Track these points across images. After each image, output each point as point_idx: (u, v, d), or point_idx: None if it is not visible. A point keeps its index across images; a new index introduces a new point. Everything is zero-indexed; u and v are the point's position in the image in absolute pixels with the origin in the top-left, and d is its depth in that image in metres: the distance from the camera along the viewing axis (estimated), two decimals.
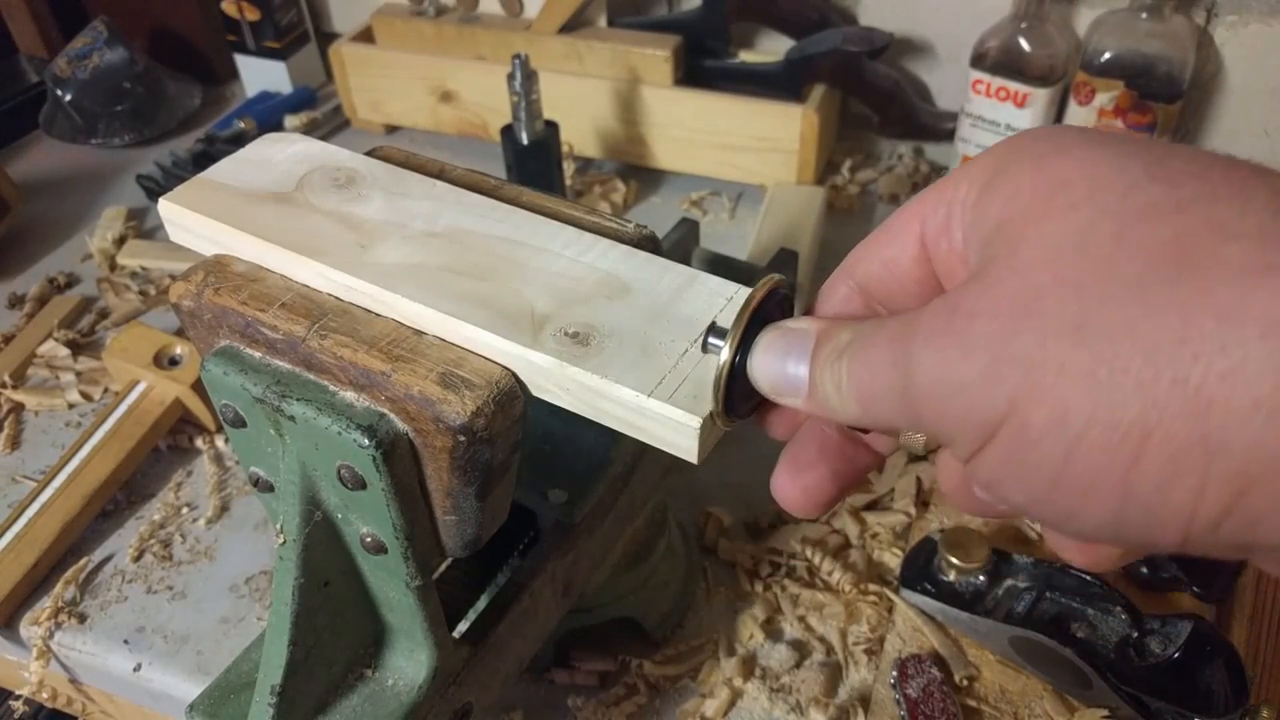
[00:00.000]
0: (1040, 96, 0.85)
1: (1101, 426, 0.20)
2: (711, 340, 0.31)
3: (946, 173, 0.98)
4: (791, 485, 0.31)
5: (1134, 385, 0.19)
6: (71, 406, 0.77)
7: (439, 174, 0.41)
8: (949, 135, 0.96)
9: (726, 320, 0.30)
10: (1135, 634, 0.54)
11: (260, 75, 1.12)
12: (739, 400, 0.30)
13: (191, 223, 0.38)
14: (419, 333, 0.34)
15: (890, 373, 0.24)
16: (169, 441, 0.74)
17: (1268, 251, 0.19)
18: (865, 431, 0.31)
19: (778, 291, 0.30)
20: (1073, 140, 0.24)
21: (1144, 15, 0.82)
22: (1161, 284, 0.20)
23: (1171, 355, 0.19)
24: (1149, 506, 0.20)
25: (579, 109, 0.95)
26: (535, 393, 0.33)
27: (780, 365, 0.28)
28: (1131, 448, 0.20)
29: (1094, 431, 0.20)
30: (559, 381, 0.32)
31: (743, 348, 0.29)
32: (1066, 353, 0.20)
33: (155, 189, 0.98)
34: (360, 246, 0.36)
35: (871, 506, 0.67)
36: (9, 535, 0.65)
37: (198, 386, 0.71)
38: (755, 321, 0.29)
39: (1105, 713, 0.53)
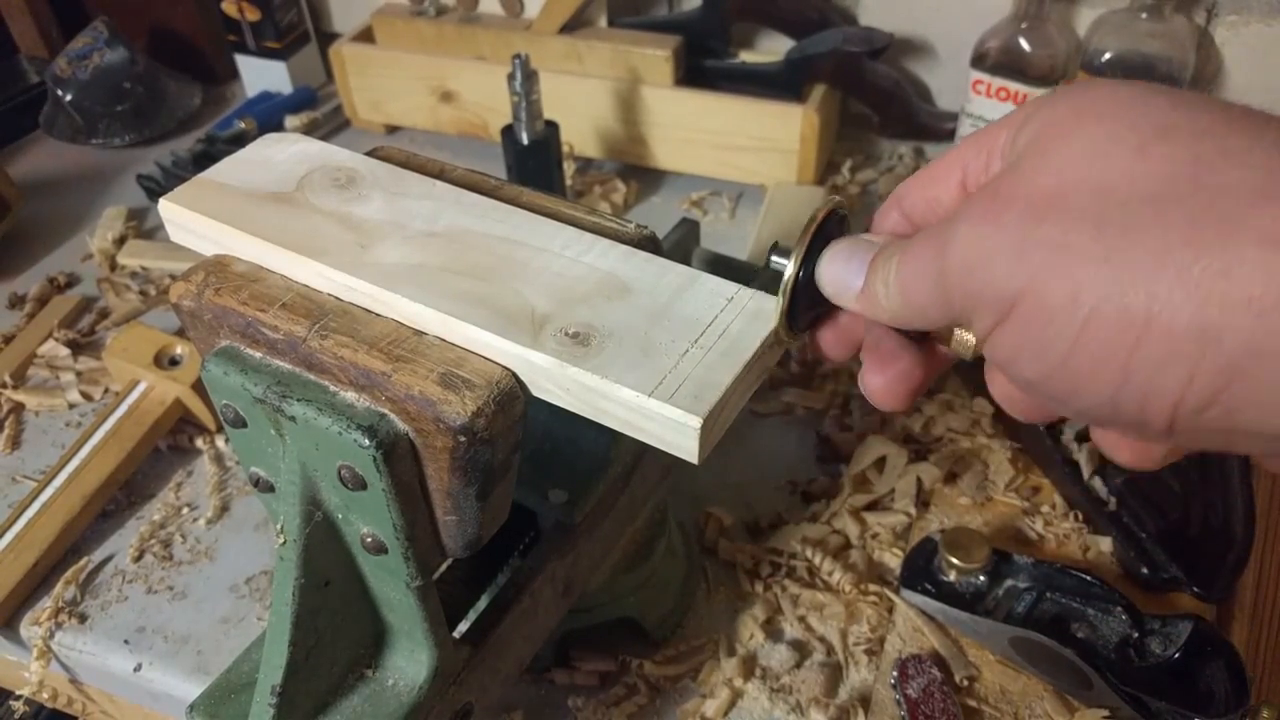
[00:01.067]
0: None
1: (1110, 307, 0.23)
2: (775, 259, 0.32)
3: None
4: (881, 375, 0.33)
5: (1142, 275, 0.22)
6: (72, 406, 0.77)
7: (439, 174, 0.41)
8: (949, 135, 0.96)
9: (787, 243, 0.32)
10: (1135, 634, 0.54)
11: (260, 75, 1.12)
12: (800, 312, 0.32)
13: (192, 223, 0.38)
14: (419, 333, 0.34)
15: (931, 257, 0.27)
16: (169, 441, 0.74)
17: (1270, 178, 0.22)
18: (912, 337, 0.33)
19: (837, 212, 0.33)
20: (1104, 81, 0.27)
21: (1144, 15, 0.82)
22: (1175, 198, 0.22)
23: (1177, 254, 0.22)
24: (1143, 389, 0.23)
25: (579, 109, 0.95)
26: (535, 393, 0.33)
27: (844, 266, 0.31)
28: (1135, 331, 0.22)
29: (1103, 312, 0.23)
30: (559, 382, 0.32)
31: (807, 262, 0.32)
32: (1085, 241, 0.23)
33: (156, 189, 0.98)
34: (360, 246, 0.36)
35: (872, 507, 0.67)
36: (9, 535, 0.65)
37: (198, 386, 0.71)
38: (818, 238, 0.32)
39: (1105, 713, 0.53)
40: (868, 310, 0.31)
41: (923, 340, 0.33)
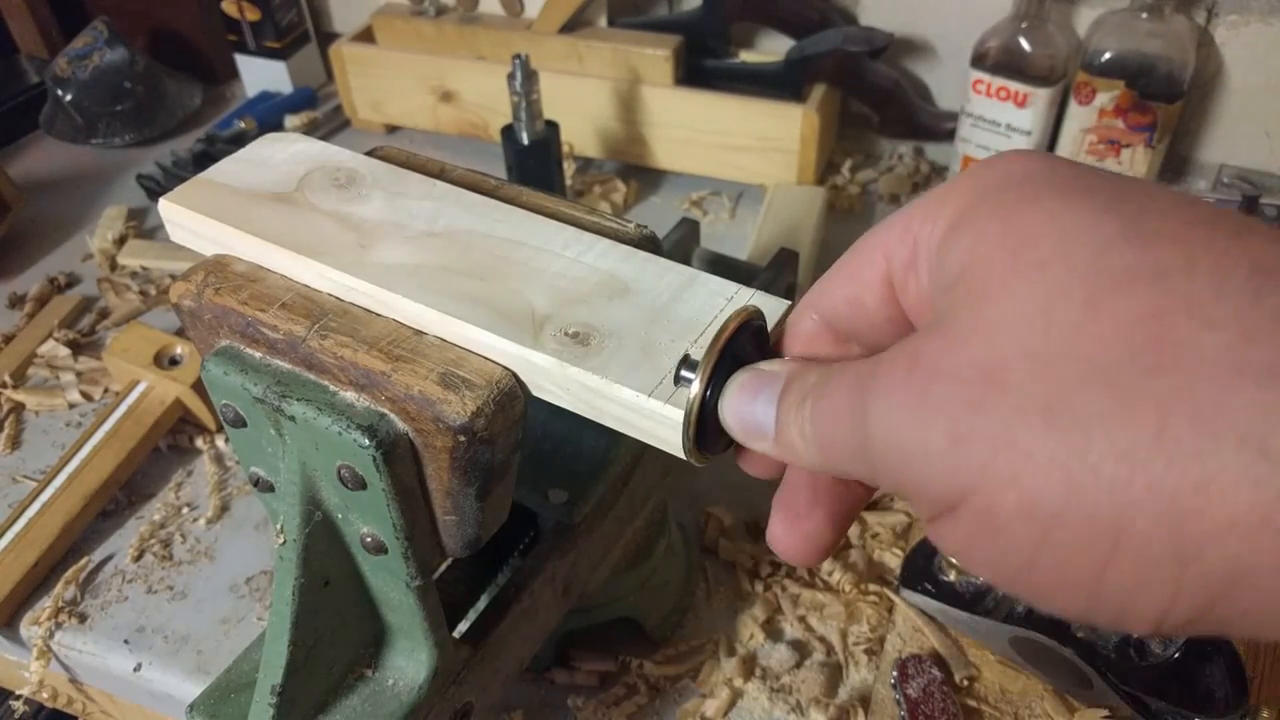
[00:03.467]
0: (1041, 96, 0.85)
1: (1073, 522, 0.19)
2: (684, 373, 0.30)
3: (947, 174, 0.98)
4: (789, 535, 0.29)
5: (1107, 484, 0.19)
6: (72, 406, 0.77)
7: (439, 174, 0.41)
8: (949, 135, 0.96)
9: (701, 352, 0.29)
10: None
11: (261, 75, 1.12)
12: (712, 436, 0.29)
13: (192, 223, 0.38)
14: (419, 333, 0.34)
15: (849, 420, 0.23)
16: (169, 441, 0.74)
17: (1245, 345, 0.18)
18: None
19: (751, 323, 0.29)
20: (1043, 188, 0.22)
21: (1144, 15, 0.82)
22: (1136, 374, 0.19)
23: (1146, 457, 0.18)
24: (1120, 604, 0.20)
25: (579, 109, 0.95)
26: (535, 393, 0.33)
27: (749, 408, 0.27)
28: (1104, 549, 0.19)
29: (1065, 526, 0.19)
30: (559, 382, 0.32)
31: (714, 381, 0.28)
32: (1035, 438, 0.19)
33: (156, 189, 0.98)
34: (360, 246, 0.36)
35: (872, 507, 0.67)
36: (9, 535, 0.65)
37: (198, 386, 0.71)
38: (727, 355, 0.29)
39: (1105, 713, 0.53)
40: (786, 458, 0.27)
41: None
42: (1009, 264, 0.21)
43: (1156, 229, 0.20)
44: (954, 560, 0.24)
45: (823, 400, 0.25)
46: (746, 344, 0.29)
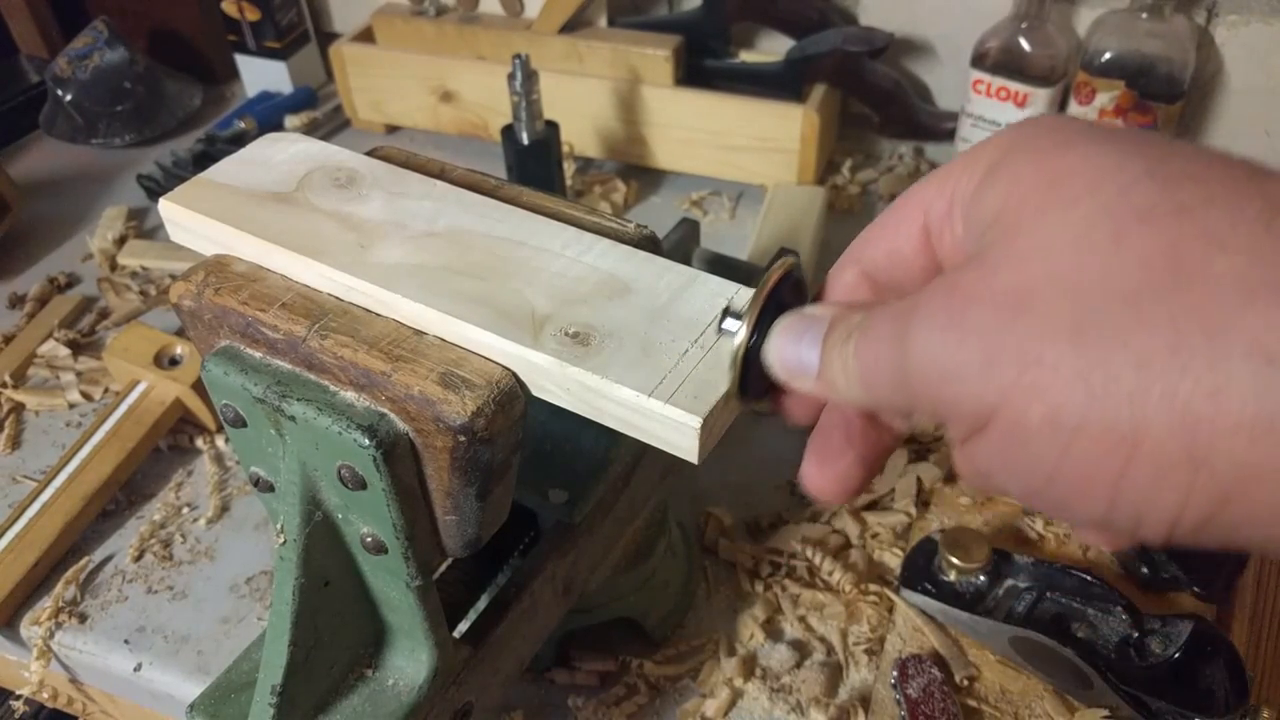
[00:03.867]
0: (1041, 96, 0.85)
1: (1093, 431, 0.21)
2: (728, 322, 0.31)
3: None
4: (821, 475, 0.31)
5: (1125, 394, 0.20)
6: (72, 406, 0.77)
7: (439, 174, 0.41)
8: (949, 135, 0.96)
9: (740, 304, 0.31)
10: (1136, 634, 0.54)
11: (261, 75, 1.12)
12: (753, 381, 0.31)
13: (192, 223, 0.38)
14: (419, 333, 0.34)
15: (890, 351, 0.25)
16: (169, 441, 0.74)
17: (1257, 268, 0.20)
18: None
19: (791, 275, 0.31)
20: (1075, 135, 0.24)
21: (1144, 15, 0.82)
22: (1155, 295, 0.20)
23: (1162, 367, 0.20)
24: (1136, 509, 0.21)
25: (579, 109, 0.95)
26: (535, 393, 0.33)
27: (794, 347, 0.29)
28: (1122, 456, 0.21)
29: (1086, 435, 0.21)
30: (559, 381, 0.32)
31: (758, 329, 0.30)
32: (1061, 354, 0.21)
33: (156, 189, 0.98)
34: (360, 246, 0.36)
35: (872, 506, 0.67)
36: (9, 535, 0.65)
37: (198, 386, 0.71)
38: (770, 304, 0.30)
39: (1106, 713, 0.53)
40: (827, 394, 0.29)
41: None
42: (1042, 200, 0.23)
43: (1179, 170, 0.22)
44: (980, 478, 0.25)
45: (866, 334, 0.26)
46: (787, 294, 0.31)
